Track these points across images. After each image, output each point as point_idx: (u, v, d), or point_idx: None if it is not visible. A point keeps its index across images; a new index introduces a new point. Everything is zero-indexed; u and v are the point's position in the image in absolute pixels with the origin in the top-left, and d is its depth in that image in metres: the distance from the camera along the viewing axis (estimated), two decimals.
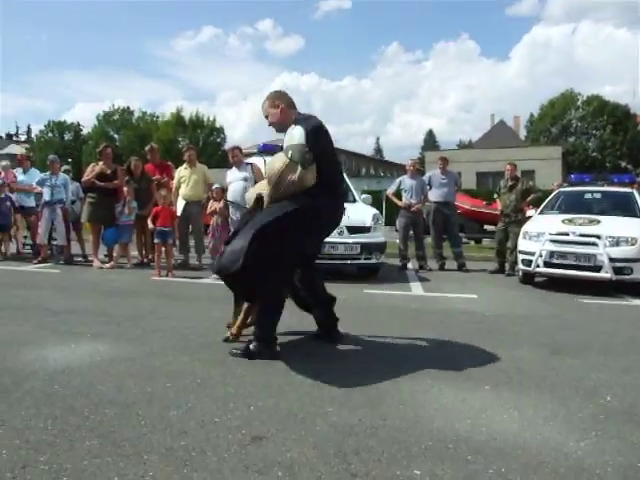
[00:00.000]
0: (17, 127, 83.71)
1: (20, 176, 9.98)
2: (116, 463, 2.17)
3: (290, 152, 3.73)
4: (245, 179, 7.82)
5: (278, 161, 3.81)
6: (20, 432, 2.43)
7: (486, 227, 16.88)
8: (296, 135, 3.77)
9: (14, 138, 77.07)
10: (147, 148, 9.82)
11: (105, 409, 2.71)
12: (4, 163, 10.36)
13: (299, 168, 3.69)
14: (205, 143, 45.93)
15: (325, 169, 3.83)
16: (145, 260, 9.11)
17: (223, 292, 6.12)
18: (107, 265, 8.59)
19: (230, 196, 8.01)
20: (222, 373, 3.36)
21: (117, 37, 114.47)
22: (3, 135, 76.38)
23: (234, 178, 8.00)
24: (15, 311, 5.06)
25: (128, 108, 55.36)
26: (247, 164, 8.13)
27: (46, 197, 8.96)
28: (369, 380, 3.32)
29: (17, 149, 53.86)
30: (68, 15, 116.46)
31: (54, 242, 9.29)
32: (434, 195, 9.89)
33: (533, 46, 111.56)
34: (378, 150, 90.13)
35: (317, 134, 3.85)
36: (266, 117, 4.11)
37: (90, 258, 9.28)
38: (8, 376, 3.16)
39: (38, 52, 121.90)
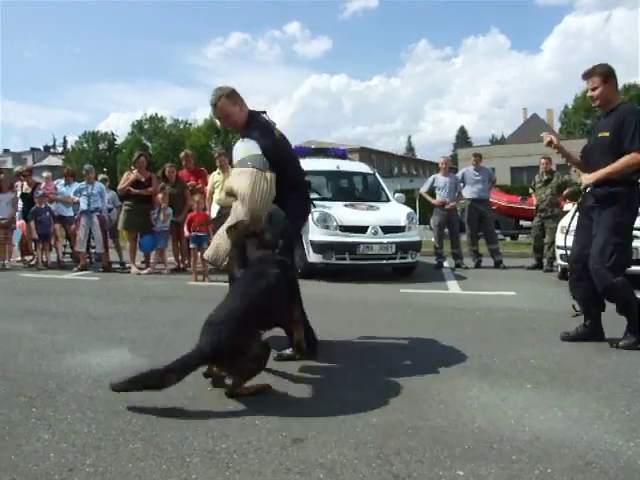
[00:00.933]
0: (54, 139, 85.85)
1: (61, 187, 10.23)
2: (159, 466, 2.20)
3: (250, 163, 3.55)
4: None
5: (244, 175, 3.53)
6: (66, 436, 2.48)
7: (522, 223, 16.64)
8: (250, 147, 3.63)
9: (51, 150, 79.01)
10: (182, 155, 9.95)
11: (147, 413, 2.75)
12: (46, 174, 10.63)
13: (268, 173, 3.54)
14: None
15: (287, 167, 3.75)
16: (181, 265, 9.22)
17: None
18: (144, 271, 8.73)
19: None
20: (261, 375, 3.35)
21: (148, 47, 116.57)
22: (41, 147, 78.39)
23: None
24: (57, 318, 5.17)
25: (160, 116, 56.18)
26: None
27: (83, 206, 9.16)
28: (408, 380, 3.29)
29: (54, 160, 55.27)
30: (101, 29, 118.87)
31: (92, 250, 9.49)
32: (468, 192, 9.78)
33: (565, 37, 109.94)
34: (410, 149, 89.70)
35: (268, 135, 3.76)
36: (220, 118, 3.89)
37: (127, 265, 9.45)
38: (53, 381, 3.23)
39: (72, 66, 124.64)
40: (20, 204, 10.18)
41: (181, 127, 55.06)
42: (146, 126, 55.14)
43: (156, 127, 55.07)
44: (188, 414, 2.74)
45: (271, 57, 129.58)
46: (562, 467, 2.19)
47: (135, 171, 9.06)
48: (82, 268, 9.13)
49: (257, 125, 3.81)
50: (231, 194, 3.66)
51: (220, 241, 3.65)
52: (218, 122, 3.93)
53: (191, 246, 8.08)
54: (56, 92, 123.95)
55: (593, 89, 4.07)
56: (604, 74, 4.05)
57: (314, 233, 7.94)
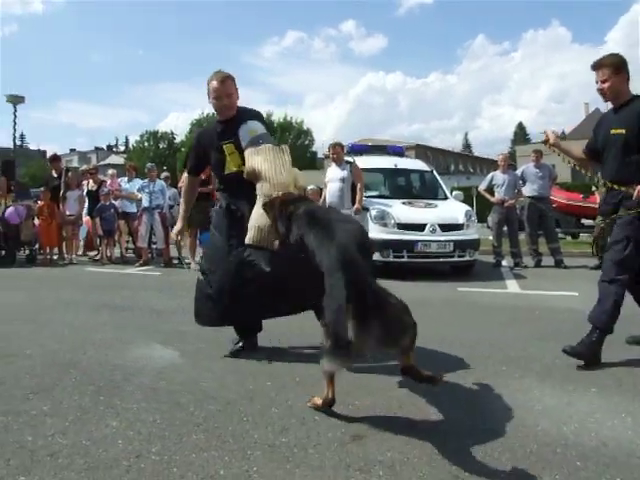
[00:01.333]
0: (116, 139, 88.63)
1: (125, 184, 10.56)
2: (222, 457, 2.25)
3: (261, 141, 3.65)
4: (342, 179, 7.84)
5: (262, 153, 3.60)
6: (132, 424, 2.57)
7: (584, 221, 16.12)
8: (256, 127, 3.74)
9: (114, 149, 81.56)
10: None
11: (209, 405, 2.81)
12: (111, 172, 11.00)
13: (283, 145, 3.75)
14: (293, 146, 46.60)
15: None
16: None
17: None
18: None
19: (328, 197, 8.10)
20: (319, 372, 3.38)
21: (207, 48, 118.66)
22: (105, 147, 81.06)
23: (332, 177, 8.05)
24: (121, 311, 5.35)
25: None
26: (347, 162, 8.12)
27: (145, 203, 9.43)
28: (468, 380, 3.25)
29: (116, 159, 57.02)
30: (162, 31, 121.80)
31: (154, 246, 9.76)
32: (528, 190, 9.55)
33: (632, 27, 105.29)
34: (467, 146, 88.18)
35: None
36: (226, 96, 3.76)
37: (187, 260, 9.67)
38: (119, 372, 3.35)
39: (135, 67, 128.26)
40: (86, 201, 10.56)
41: None
42: (204, 124, 56.14)
43: None
44: (249, 407, 2.79)
45: (327, 55, 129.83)
46: (632, 477, 2.12)
47: None
48: (144, 263, 9.40)
49: (251, 110, 3.93)
50: (253, 175, 3.61)
51: (258, 223, 3.52)
52: (213, 100, 3.81)
53: None
54: (120, 93, 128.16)
55: (603, 81, 3.74)
56: (615, 65, 3.74)
57: (372, 230, 7.91)
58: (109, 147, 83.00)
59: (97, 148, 78.50)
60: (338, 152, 8.19)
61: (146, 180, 9.70)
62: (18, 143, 25.92)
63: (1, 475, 2.10)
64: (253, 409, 2.77)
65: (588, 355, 3.57)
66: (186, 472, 2.12)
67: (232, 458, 2.24)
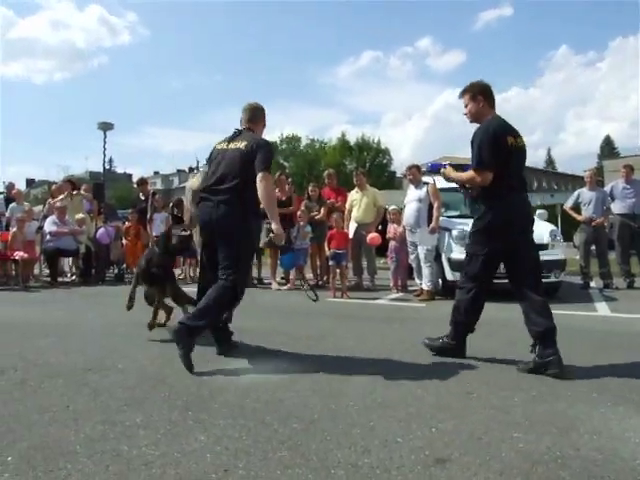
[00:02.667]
0: (197, 161, 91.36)
1: None
2: (306, 475, 2.28)
3: None
4: (419, 200, 7.83)
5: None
6: (220, 439, 2.65)
7: None
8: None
9: (195, 171, 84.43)
10: (325, 173, 10.30)
11: (293, 423, 2.86)
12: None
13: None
14: (371, 165, 46.73)
15: None
16: (320, 282, 9.46)
17: (398, 313, 6.19)
18: (284, 287, 9.07)
19: (404, 218, 8.11)
20: (402, 393, 3.38)
21: (284, 70, 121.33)
22: (186, 169, 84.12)
23: (410, 198, 8.08)
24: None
25: (296, 136, 58.10)
26: (424, 183, 8.11)
27: None
28: (556, 406, 3.15)
29: None
30: (238, 56, 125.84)
31: None
32: (618, 207, 9.16)
33: None
34: (550, 162, 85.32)
35: None
36: None
37: (266, 281, 9.87)
38: (206, 388, 3.46)
39: (214, 92, 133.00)
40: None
41: (317, 146, 56.58)
42: (283, 146, 57.29)
43: (292, 147, 57.06)
44: (332, 427, 2.82)
45: (403, 73, 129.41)
46: None
47: (277, 190, 9.47)
48: None
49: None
50: None
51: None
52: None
53: (330, 263, 8.29)
54: (199, 117, 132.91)
55: (465, 106, 4.35)
56: (472, 91, 4.29)
57: (453, 250, 7.82)
58: (190, 169, 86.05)
59: (179, 170, 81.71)
60: (414, 173, 8.20)
61: None
62: (107, 167, 27.38)
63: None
64: (336, 429, 2.79)
65: None
66: None
67: (316, 476, 2.27)
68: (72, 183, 11.71)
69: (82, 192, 11.47)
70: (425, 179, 8.38)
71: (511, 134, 4.13)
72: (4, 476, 2.29)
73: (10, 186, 12.27)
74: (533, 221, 4.27)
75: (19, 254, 9.68)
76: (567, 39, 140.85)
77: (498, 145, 3.99)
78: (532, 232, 4.23)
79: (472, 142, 4.13)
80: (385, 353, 4.48)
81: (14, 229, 10.16)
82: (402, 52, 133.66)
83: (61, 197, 10.93)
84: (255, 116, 4.60)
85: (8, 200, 11.71)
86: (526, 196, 4.31)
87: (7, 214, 11.17)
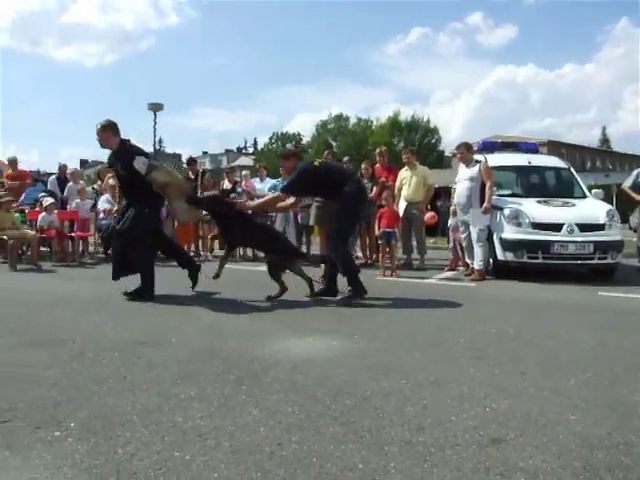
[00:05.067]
0: (245, 141, 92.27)
1: (258, 185, 10.99)
2: (359, 451, 2.28)
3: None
4: (471, 179, 7.67)
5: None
6: (273, 414, 2.67)
7: None
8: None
9: (243, 151, 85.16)
10: (377, 151, 10.19)
11: (345, 400, 2.86)
12: (244, 172, 11.50)
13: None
14: (420, 145, 45.98)
15: None
16: (369, 261, 9.41)
17: (448, 292, 6.12)
18: None
19: (455, 197, 7.97)
20: (454, 372, 3.34)
21: (331, 49, 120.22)
22: (234, 149, 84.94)
23: (460, 177, 7.93)
24: (259, 305, 5.59)
25: (344, 115, 57.69)
26: (476, 162, 7.93)
27: None
28: (616, 390, 3.05)
29: (246, 160, 59.54)
30: (287, 33, 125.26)
31: None
32: None
33: None
34: (604, 141, 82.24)
35: None
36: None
37: None
38: (258, 363, 3.50)
39: (262, 71, 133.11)
40: None
41: (364, 125, 56.06)
42: (331, 125, 57.00)
43: (340, 126, 56.71)
44: (384, 404, 2.80)
45: (453, 50, 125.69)
46: None
47: None
48: None
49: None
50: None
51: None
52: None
53: (380, 242, 8.22)
54: (248, 97, 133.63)
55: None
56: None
57: (505, 230, 7.64)
58: (239, 149, 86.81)
59: (227, 150, 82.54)
60: (462, 152, 8.01)
61: (279, 179, 10.01)
62: (157, 147, 27.89)
63: (159, 449, 2.28)
64: (388, 406, 2.78)
65: None
66: (325, 463, 2.17)
67: (369, 453, 2.26)
68: None
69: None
70: (476, 157, 8.20)
71: None
72: (68, 440, 2.38)
73: (63, 167, 12.55)
74: None
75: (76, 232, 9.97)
76: (627, 11, 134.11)
77: None
78: None
79: None
80: (435, 332, 4.43)
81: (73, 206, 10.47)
82: (451, 28, 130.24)
83: (110, 175, 11.16)
84: None
85: (60, 180, 12.01)
86: None
87: (65, 193, 11.48)
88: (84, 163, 73.73)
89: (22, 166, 12.72)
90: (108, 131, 5.97)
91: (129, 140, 6.10)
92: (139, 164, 5.80)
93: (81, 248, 10.58)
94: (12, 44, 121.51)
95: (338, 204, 5.89)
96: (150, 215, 5.97)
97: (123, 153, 5.94)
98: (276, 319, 4.93)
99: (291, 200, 6.37)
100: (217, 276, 5.86)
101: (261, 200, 6.78)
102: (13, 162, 12.48)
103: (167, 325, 4.63)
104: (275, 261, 5.90)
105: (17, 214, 10.10)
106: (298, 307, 5.47)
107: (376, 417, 2.64)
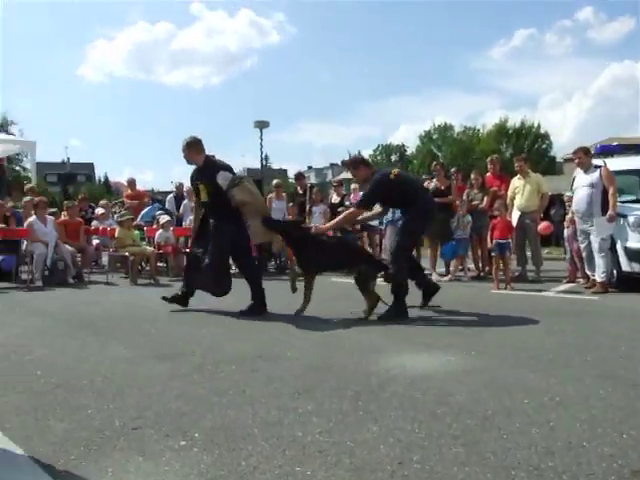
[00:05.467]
0: (349, 154, 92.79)
1: None
2: (484, 474, 2.18)
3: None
4: (591, 185, 7.25)
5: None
6: (392, 431, 2.62)
7: None
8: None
9: None
10: (488, 159, 9.93)
11: (466, 419, 2.76)
12: (353, 185, 11.55)
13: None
14: (530, 151, 44.11)
15: None
16: (482, 273, 9.14)
17: (568, 307, 5.79)
18: (445, 278, 8.87)
19: (574, 205, 7.57)
20: (582, 392, 3.14)
21: (434, 58, 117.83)
22: (339, 162, 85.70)
23: (579, 184, 7.52)
24: (367, 320, 5.55)
25: (448, 124, 56.68)
26: (596, 167, 7.49)
27: (389, 216, 9.68)
28: None
29: (350, 174, 59.93)
30: (386, 47, 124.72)
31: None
32: None
33: None
34: None
35: None
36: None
37: (427, 272, 9.72)
38: (374, 379, 3.46)
39: (363, 84, 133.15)
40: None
41: (470, 133, 54.75)
42: (435, 135, 56.18)
43: (445, 135, 55.76)
44: (507, 425, 2.67)
45: (561, 49, 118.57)
46: None
47: (434, 180, 9.29)
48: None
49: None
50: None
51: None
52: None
53: (493, 253, 7.95)
54: (350, 110, 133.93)
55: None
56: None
57: (630, 239, 7.14)
58: (343, 163, 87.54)
59: (332, 164, 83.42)
60: (580, 157, 7.59)
61: None
62: (263, 163, 28.83)
63: (280, 463, 2.30)
64: (512, 427, 2.65)
65: None
66: None
67: (495, 476, 2.16)
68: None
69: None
70: (595, 162, 7.74)
71: None
72: (194, 450, 2.46)
73: (179, 186, 13.23)
74: None
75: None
76: None
77: None
78: None
79: None
80: (558, 349, 4.19)
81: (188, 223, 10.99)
82: (559, 26, 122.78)
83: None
84: None
85: (177, 198, 12.67)
86: None
87: (181, 210, 12.10)
88: None
89: (139, 186, 13.52)
90: (193, 148, 6.15)
91: (214, 156, 6.31)
92: (222, 179, 5.89)
93: None
94: (129, 73, 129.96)
95: (405, 218, 5.90)
96: (231, 230, 5.98)
97: (207, 169, 6.08)
98: (388, 334, 4.87)
99: (378, 209, 6.33)
100: (300, 311, 5.71)
101: (336, 220, 6.56)
102: (132, 183, 13.37)
103: (280, 339, 4.70)
104: (364, 272, 5.64)
105: (136, 231, 10.73)
106: (410, 322, 5.38)
107: (500, 438, 2.52)
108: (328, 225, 6.64)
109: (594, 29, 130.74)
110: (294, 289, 5.78)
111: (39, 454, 2.45)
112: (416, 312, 5.83)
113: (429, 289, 6.03)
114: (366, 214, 6.33)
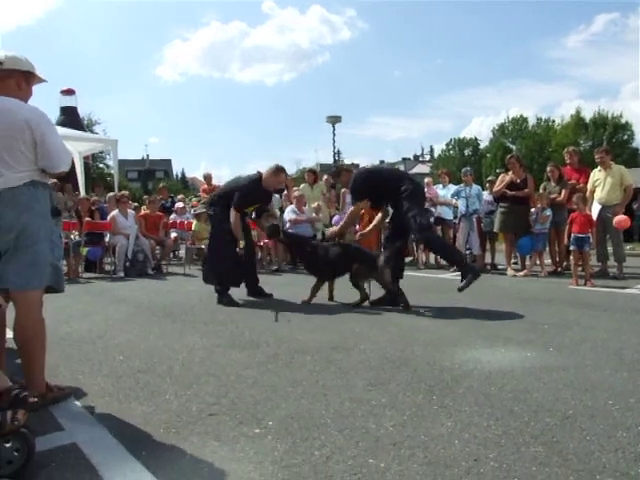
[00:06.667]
0: (422, 148, 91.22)
1: (440, 191, 10.82)
2: (566, 476, 2.10)
3: None
4: None
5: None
6: (467, 427, 2.57)
7: None
8: None
9: (420, 159, 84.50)
10: (565, 151, 9.55)
11: (545, 417, 2.67)
12: (427, 180, 11.39)
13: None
14: (609, 142, 41.92)
15: None
16: (559, 268, 8.80)
17: None
18: (520, 273, 8.61)
19: None
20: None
21: (508, 48, 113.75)
22: (411, 157, 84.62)
23: None
24: (444, 313, 5.45)
25: (523, 116, 54.83)
26: None
27: (462, 208, 9.50)
28: None
29: (423, 168, 59.07)
30: (458, 38, 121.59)
31: (468, 251, 9.75)
32: None
33: None
34: None
35: None
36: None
37: (500, 267, 9.47)
38: (448, 373, 3.40)
39: (435, 77, 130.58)
40: None
41: (545, 126, 52.69)
42: (510, 127, 54.46)
43: (519, 128, 53.95)
44: (590, 426, 2.56)
45: None
46: None
47: (510, 173, 9.02)
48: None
49: None
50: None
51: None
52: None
53: (571, 248, 7.63)
54: (422, 104, 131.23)
55: None
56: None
57: None
58: (415, 157, 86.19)
59: (404, 159, 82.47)
60: None
61: (462, 185, 9.77)
62: (336, 158, 28.95)
63: (353, 454, 2.31)
64: (596, 429, 2.53)
65: None
66: None
67: (578, 479, 2.07)
68: (314, 173, 12.41)
69: (322, 182, 12.10)
70: None
71: None
72: (268, 438, 2.50)
73: None
74: None
75: (265, 241, 10.60)
76: None
77: None
78: None
79: None
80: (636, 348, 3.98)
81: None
82: None
83: (301, 186, 11.72)
84: None
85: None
86: None
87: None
88: None
89: (215, 181, 13.83)
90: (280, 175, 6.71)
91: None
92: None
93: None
94: (203, 72, 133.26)
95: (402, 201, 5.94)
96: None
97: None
98: (464, 327, 4.77)
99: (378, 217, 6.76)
100: (308, 302, 6.16)
101: (343, 222, 6.88)
102: (208, 178, 13.69)
103: (355, 331, 4.70)
104: (357, 269, 6.02)
105: None
106: (485, 316, 5.25)
107: (582, 440, 2.42)
108: (339, 228, 6.83)
109: None
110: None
111: (121, 434, 2.56)
112: (490, 307, 5.68)
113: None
114: (377, 219, 6.82)
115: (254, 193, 6.50)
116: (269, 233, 6.76)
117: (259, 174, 6.57)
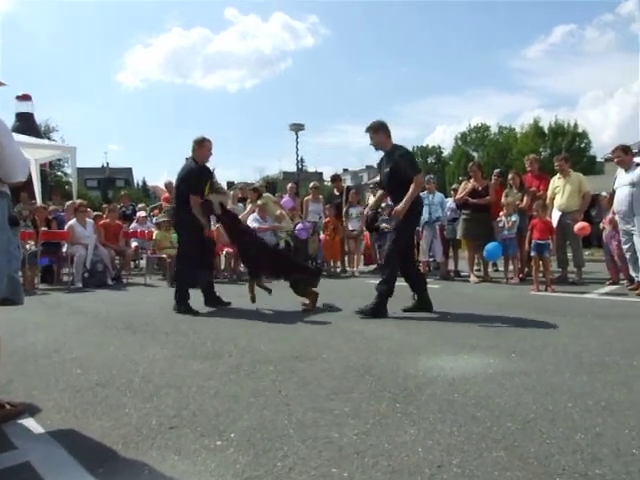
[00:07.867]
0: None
1: None
2: (527, 479, 2.11)
3: None
4: (632, 184, 7.02)
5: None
6: (430, 434, 2.57)
7: None
8: None
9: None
10: (525, 158, 9.75)
11: (507, 422, 2.68)
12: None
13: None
14: (568, 150, 43.02)
15: None
16: (520, 275, 8.94)
17: (612, 309, 5.61)
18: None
19: (615, 205, 7.34)
20: (629, 397, 3.02)
21: (472, 57, 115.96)
22: (375, 165, 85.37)
23: (620, 183, 7.28)
24: (407, 320, 5.48)
25: (485, 125, 55.88)
26: (637, 165, 7.26)
27: (425, 216, 9.59)
28: None
29: None
30: (423, 46, 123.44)
31: (431, 259, 9.84)
32: None
33: None
34: None
35: None
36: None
37: (463, 274, 9.59)
38: (411, 381, 3.40)
39: (399, 85, 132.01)
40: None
41: (507, 134, 53.82)
42: (472, 136, 55.44)
43: (482, 136, 54.99)
44: (550, 429, 2.59)
45: (602, 45, 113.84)
46: None
47: (472, 180, 9.15)
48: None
49: None
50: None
51: None
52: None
53: (532, 254, 7.77)
54: (386, 112, 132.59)
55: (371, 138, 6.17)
56: (373, 128, 6.13)
57: None
58: (379, 165, 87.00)
59: (368, 166, 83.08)
60: (619, 155, 7.33)
61: (425, 192, 9.86)
62: (299, 166, 29.01)
63: (316, 464, 2.27)
64: (555, 432, 2.56)
65: None
66: None
67: None
68: (255, 191, 12.29)
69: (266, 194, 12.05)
70: (637, 160, 7.49)
71: None
72: (229, 450, 2.45)
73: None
74: None
75: (226, 249, 10.52)
76: None
77: None
78: None
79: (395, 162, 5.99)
80: (603, 352, 4.06)
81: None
82: (600, 21, 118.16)
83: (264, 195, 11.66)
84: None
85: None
86: None
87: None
88: (230, 185, 78.10)
89: None
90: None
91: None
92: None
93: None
94: (165, 78, 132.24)
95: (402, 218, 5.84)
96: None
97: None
98: (427, 335, 4.80)
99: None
100: (252, 300, 6.42)
101: (409, 193, 5.74)
102: (169, 186, 13.49)
103: (318, 340, 4.67)
104: (299, 280, 6.25)
105: (174, 234, 10.85)
106: (448, 323, 5.29)
107: (543, 443, 2.44)
108: (403, 204, 5.71)
109: (638, 23, 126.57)
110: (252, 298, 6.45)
111: (78, 451, 2.47)
112: (454, 314, 5.73)
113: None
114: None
115: (197, 173, 6.55)
116: (203, 208, 6.57)
117: (190, 157, 6.67)
